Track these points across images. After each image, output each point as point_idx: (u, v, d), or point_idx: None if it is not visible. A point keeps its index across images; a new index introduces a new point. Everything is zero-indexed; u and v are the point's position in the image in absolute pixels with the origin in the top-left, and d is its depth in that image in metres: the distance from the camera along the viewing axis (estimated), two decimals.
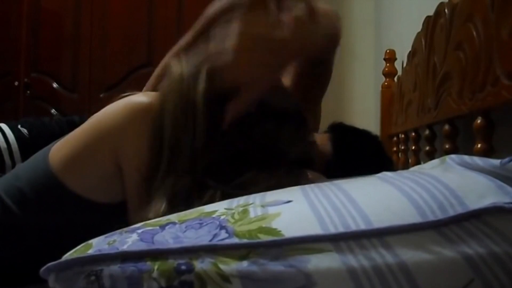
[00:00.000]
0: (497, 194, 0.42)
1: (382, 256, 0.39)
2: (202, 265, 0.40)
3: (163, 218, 0.50)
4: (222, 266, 0.40)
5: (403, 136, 1.44)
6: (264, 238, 0.41)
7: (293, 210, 0.46)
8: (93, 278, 0.42)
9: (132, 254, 0.42)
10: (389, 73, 1.77)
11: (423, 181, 0.47)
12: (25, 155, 1.18)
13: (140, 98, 0.73)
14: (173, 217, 0.50)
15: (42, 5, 2.84)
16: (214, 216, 0.47)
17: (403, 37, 1.59)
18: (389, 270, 0.38)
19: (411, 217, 0.41)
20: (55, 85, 2.84)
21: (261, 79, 0.71)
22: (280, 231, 0.42)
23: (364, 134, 1.06)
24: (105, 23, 2.75)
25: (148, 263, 0.41)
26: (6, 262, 0.73)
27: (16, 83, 2.84)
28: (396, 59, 1.74)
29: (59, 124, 1.29)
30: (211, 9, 0.73)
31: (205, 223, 0.45)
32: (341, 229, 0.41)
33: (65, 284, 0.43)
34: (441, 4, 0.93)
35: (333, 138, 0.99)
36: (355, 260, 0.39)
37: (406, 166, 1.33)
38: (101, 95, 2.70)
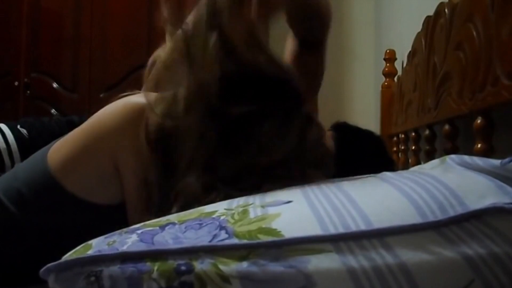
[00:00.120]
0: (497, 195, 0.42)
1: (382, 257, 0.39)
2: (202, 265, 0.40)
3: (162, 219, 0.50)
4: (222, 267, 0.40)
5: (403, 136, 1.44)
6: (264, 238, 0.41)
7: (293, 210, 0.46)
8: (93, 278, 0.42)
9: (132, 255, 0.42)
10: (389, 73, 1.77)
11: (423, 181, 0.47)
12: (24, 156, 1.18)
13: (139, 98, 0.73)
14: (173, 217, 0.50)
15: (42, 5, 2.84)
16: (214, 216, 0.47)
17: (403, 37, 1.59)
18: (389, 270, 0.38)
19: (411, 217, 0.41)
20: (55, 85, 2.84)
21: None
22: (280, 231, 0.42)
23: (367, 135, 1.05)
24: (105, 23, 2.75)
25: (148, 263, 0.41)
26: (6, 262, 0.73)
27: (16, 83, 2.84)
28: (396, 59, 1.74)
29: (58, 124, 1.29)
30: None
31: (205, 224, 0.45)
32: (341, 230, 0.41)
33: (65, 284, 0.43)
34: (441, 4, 0.93)
35: (336, 137, 0.99)
36: (355, 260, 0.39)
37: (406, 166, 1.32)
38: (101, 95, 2.70)
